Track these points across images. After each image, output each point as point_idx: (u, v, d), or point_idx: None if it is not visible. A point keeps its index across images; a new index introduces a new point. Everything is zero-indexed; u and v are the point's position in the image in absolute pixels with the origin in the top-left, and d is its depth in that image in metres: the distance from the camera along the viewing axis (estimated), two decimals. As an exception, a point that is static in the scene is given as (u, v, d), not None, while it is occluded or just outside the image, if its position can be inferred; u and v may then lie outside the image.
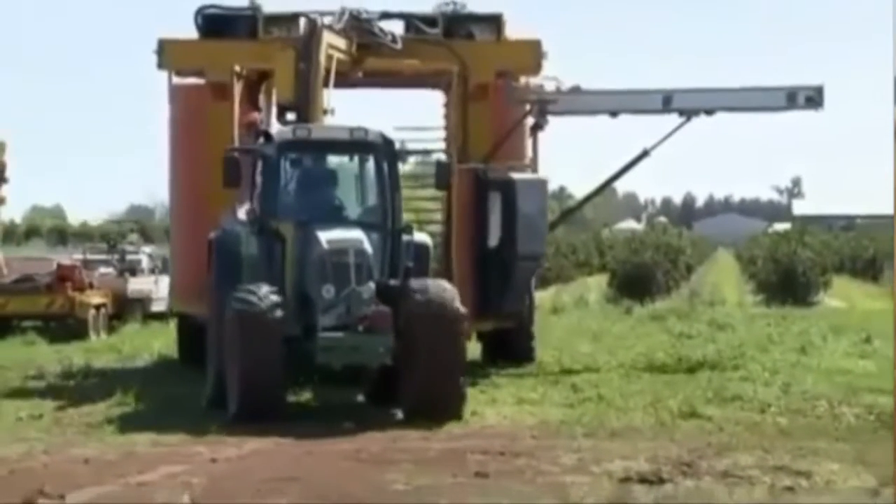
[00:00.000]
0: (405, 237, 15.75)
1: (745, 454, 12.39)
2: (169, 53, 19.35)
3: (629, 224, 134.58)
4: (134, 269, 32.21)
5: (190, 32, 19.71)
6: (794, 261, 45.30)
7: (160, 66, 19.47)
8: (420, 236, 16.33)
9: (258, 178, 15.96)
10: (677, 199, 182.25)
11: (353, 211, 16.25)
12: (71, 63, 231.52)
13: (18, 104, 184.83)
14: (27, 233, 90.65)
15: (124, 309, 30.32)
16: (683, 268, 56.97)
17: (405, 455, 12.20)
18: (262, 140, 16.20)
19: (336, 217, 15.91)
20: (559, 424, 14.57)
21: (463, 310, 14.81)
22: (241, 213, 16.39)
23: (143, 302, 31.09)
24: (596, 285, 49.06)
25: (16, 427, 14.63)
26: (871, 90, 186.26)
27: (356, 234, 15.23)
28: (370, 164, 16.12)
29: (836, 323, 27.80)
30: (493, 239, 19.01)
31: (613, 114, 20.34)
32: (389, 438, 13.33)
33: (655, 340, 23.70)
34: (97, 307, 28.49)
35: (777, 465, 11.81)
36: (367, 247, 15.03)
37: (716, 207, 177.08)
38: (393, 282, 15.32)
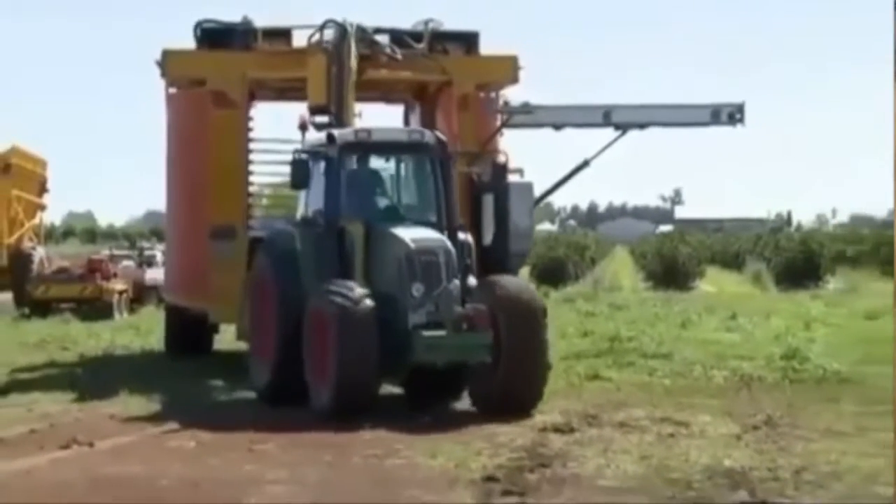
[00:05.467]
0: (461, 236, 13.35)
1: (637, 408, 12.44)
2: (172, 63, 16.98)
3: (546, 226, 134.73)
4: (150, 262, 32.01)
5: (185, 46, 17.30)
6: (676, 255, 45.54)
7: (163, 75, 17.12)
8: (463, 235, 13.64)
9: (320, 179, 13.60)
10: (584, 205, 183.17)
11: (414, 210, 13.76)
12: (100, 91, 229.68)
13: (57, 127, 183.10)
14: (64, 233, 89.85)
15: (142, 294, 30.15)
16: (589, 261, 57.13)
17: (372, 411, 12.12)
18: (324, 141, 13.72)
19: (400, 216, 13.52)
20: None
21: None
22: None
23: (157, 289, 30.77)
24: (521, 275, 48.96)
25: (55, 389, 14.48)
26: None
27: (435, 232, 12.97)
28: (427, 164, 13.68)
29: (708, 304, 27.88)
30: (488, 238, 16.87)
31: (558, 127, 18.40)
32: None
33: (567, 318, 23.72)
34: (120, 293, 28.36)
35: (662, 417, 11.87)
36: (450, 245, 12.76)
37: (614, 212, 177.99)
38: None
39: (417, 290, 12.38)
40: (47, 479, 9.21)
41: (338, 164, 13.35)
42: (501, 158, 15.45)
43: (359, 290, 12.14)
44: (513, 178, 17.47)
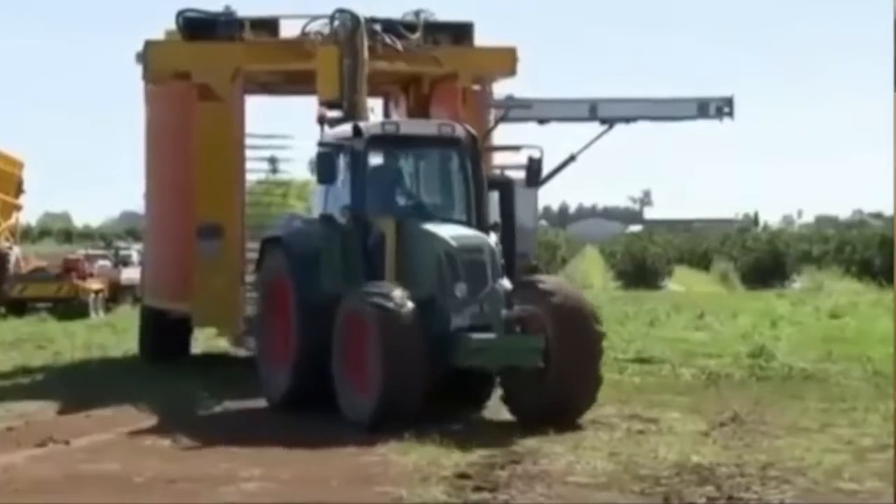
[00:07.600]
0: (493, 236, 12.27)
1: (608, 406, 12.44)
2: (155, 55, 15.82)
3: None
4: (126, 262, 31.90)
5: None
6: (645, 255, 45.86)
7: (146, 67, 15.91)
8: (495, 235, 12.59)
9: (345, 174, 12.56)
10: (555, 206, 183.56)
11: (443, 208, 12.71)
12: (77, 92, 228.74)
13: (33, 129, 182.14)
14: (40, 233, 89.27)
15: (118, 294, 30.07)
16: (560, 260, 57.33)
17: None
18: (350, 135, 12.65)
19: (429, 213, 12.50)
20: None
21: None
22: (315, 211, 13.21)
23: (133, 288, 30.70)
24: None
25: (31, 388, 14.41)
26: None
27: (476, 231, 12.04)
28: (456, 159, 12.63)
29: (676, 302, 28.06)
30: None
31: (542, 121, 17.67)
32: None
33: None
34: (96, 292, 28.25)
35: (632, 414, 11.91)
36: (493, 244, 11.88)
37: (584, 213, 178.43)
38: None
39: (460, 290, 11.37)
40: (25, 475, 9.17)
41: (364, 157, 12.41)
42: (536, 154, 14.78)
43: (399, 292, 11.13)
44: (518, 174, 15.56)
